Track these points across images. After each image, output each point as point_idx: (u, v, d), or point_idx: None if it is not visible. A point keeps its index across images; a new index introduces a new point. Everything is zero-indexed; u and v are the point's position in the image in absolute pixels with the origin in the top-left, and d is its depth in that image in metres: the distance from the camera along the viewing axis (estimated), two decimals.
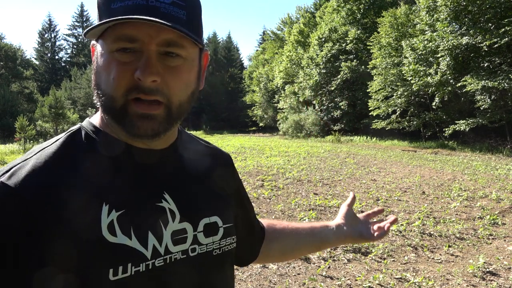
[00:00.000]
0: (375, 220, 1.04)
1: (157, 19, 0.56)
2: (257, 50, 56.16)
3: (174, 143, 0.75)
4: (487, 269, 3.73)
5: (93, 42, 0.67)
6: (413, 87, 18.28)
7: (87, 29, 0.59)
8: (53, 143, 0.66)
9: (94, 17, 0.68)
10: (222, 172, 0.84)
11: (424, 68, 17.77)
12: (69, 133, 0.69)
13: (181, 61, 0.63)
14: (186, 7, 0.62)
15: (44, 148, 0.65)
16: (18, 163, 0.62)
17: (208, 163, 0.82)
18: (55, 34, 58.16)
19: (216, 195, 0.79)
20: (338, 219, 1.03)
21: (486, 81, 14.36)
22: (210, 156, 0.85)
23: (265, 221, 1.02)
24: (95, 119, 0.71)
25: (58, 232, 0.57)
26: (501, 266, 3.84)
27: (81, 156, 0.65)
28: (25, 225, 0.57)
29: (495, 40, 14.42)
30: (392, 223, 0.99)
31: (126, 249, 0.61)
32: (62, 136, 0.68)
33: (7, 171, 0.60)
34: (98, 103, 0.64)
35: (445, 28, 16.67)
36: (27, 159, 0.63)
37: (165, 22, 0.57)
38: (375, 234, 0.98)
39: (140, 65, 0.59)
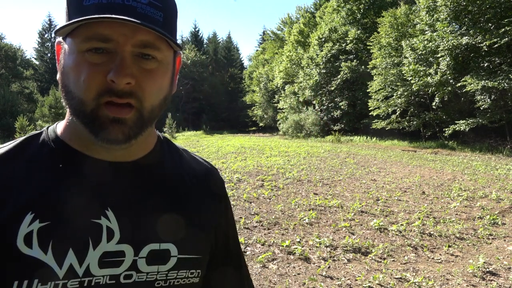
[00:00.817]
0: None
1: (136, 20, 0.54)
2: (257, 50, 56.17)
3: (146, 156, 0.69)
4: (487, 269, 3.73)
5: (58, 39, 0.63)
6: (413, 87, 18.28)
7: (58, 27, 0.56)
8: (11, 143, 0.65)
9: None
10: (204, 199, 0.75)
11: (424, 68, 17.77)
12: (29, 135, 0.66)
13: (156, 64, 0.60)
14: (162, 8, 0.60)
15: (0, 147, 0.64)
16: None
17: (186, 185, 0.73)
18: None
19: (181, 221, 0.69)
20: None
21: (486, 81, 14.36)
22: (193, 177, 0.75)
23: None
24: (60, 125, 0.68)
25: None
26: (501, 266, 3.84)
27: (28, 161, 0.62)
28: None
29: (495, 40, 14.42)
30: None
31: (37, 263, 0.56)
32: (21, 138, 0.66)
33: None
34: (67, 106, 0.61)
35: (445, 28, 16.68)
36: None
37: (146, 23, 0.54)
38: None
39: (113, 66, 0.55)
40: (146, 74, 0.59)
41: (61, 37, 0.62)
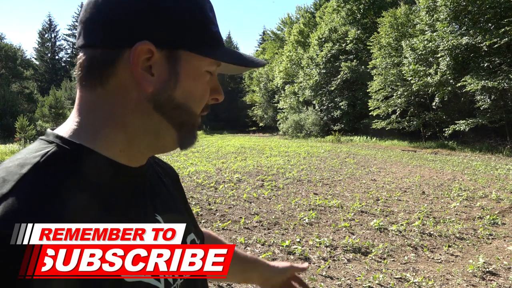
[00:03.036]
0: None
1: (264, 62, 0.65)
2: (257, 50, 56.19)
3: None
4: (487, 269, 3.73)
5: (151, 47, 0.52)
6: (413, 87, 18.30)
7: (219, 58, 0.58)
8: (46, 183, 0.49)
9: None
10: (179, 185, 0.80)
11: (424, 68, 17.79)
12: (50, 160, 0.51)
13: None
14: None
15: (38, 176, 0.48)
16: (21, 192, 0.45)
17: (169, 176, 0.76)
18: (55, 34, 58.15)
19: (184, 208, 0.74)
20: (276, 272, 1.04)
21: (486, 81, 14.37)
22: (167, 169, 0.78)
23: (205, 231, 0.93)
24: (103, 144, 0.56)
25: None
26: (501, 266, 3.84)
27: (100, 185, 0.54)
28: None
29: (495, 40, 14.42)
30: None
31: (143, 286, 0.53)
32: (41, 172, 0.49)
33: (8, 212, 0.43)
34: (165, 117, 0.57)
35: (445, 28, 16.68)
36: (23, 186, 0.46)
37: (261, 62, 0.64)
38: None
39: (216, 87, 0.62)
40: None
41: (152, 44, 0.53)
